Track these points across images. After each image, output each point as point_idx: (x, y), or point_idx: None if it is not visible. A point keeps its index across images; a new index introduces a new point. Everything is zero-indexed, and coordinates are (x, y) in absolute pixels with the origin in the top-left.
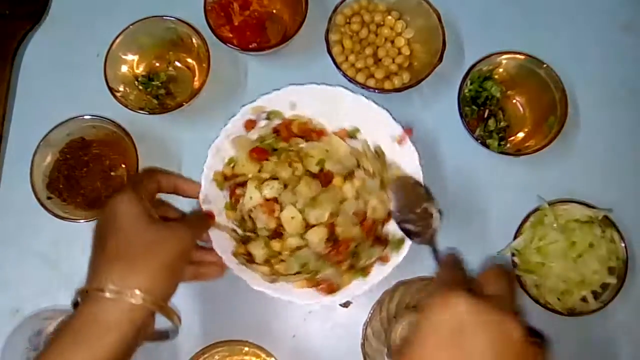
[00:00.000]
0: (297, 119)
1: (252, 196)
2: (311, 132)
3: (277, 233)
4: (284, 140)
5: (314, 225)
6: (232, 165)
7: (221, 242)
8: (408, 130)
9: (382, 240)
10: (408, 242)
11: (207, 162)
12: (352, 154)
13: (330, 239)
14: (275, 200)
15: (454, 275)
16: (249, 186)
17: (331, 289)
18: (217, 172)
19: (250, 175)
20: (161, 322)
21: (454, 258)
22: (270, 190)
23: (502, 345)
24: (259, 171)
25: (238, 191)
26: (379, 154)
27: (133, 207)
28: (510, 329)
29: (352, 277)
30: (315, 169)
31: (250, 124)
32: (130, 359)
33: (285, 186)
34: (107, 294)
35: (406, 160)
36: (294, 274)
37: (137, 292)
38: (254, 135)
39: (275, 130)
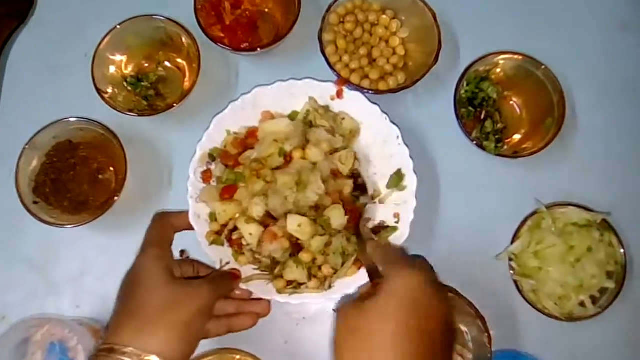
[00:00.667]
0: (226, 141)
1: (251, 232)
2: (246, 140)
3: (296, 246)
4: (234, 166)
5: (316, 208)
6: (214, 219)
7: (262, 289)
8: (340, 81)
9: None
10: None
11: (197, 232)
12: (292, 123)
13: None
14: (270, 216)
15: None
16: (240, 226)
17: None
18: (208, 233)
19: (237, 216)
20: None
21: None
22: (257, 207)
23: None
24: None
25: (234, 237)
26: (326, 109)
27: (154, 266)
28: (447, 306)
29: (389, 234)
30: (280, 160)
31: (207, 175)
32: None
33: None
34: (115, 355)
35: (354, 104)
36: (342, 267)
37: (151, 356)
38: (214, 182)
39: (225, 164)
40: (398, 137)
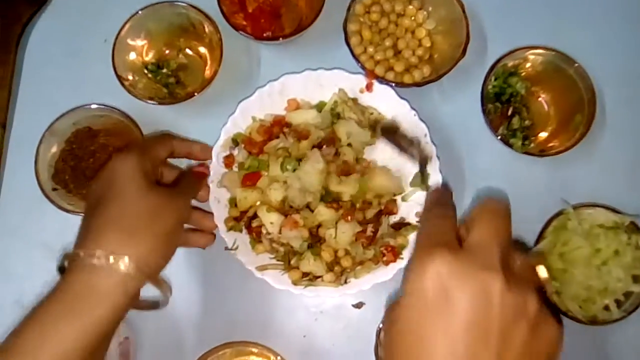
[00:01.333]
0: (251, 128)
1: (272, 221)
2: (272, 128)
3: (316, 237)
4: (258, 153)
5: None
6: (234, 205)
7: (276, 279)
8: (370, 74)
9: None
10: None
11: (215, 216)
12: (320, 115)
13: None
14: (289, 207)
15: (439, 223)
16: (261, 215)
17: (394, 254)
18: (227, 218)
19: (258, 203)
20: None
21: (441, 194)
22: (276, 192)
23: (485, 305)
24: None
25: (254, 224)
26: (355, 102)
27: (135, 171)
28: (491, 285)
29: (409, 232)
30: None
31: (229, 161)
32: (116, 329)
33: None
34: (100, 261)
35: (383, 99)
36: (359, 265)
37: (132, 261)
38: (236, 168)
39: (248, 151)
40: (426, 135)
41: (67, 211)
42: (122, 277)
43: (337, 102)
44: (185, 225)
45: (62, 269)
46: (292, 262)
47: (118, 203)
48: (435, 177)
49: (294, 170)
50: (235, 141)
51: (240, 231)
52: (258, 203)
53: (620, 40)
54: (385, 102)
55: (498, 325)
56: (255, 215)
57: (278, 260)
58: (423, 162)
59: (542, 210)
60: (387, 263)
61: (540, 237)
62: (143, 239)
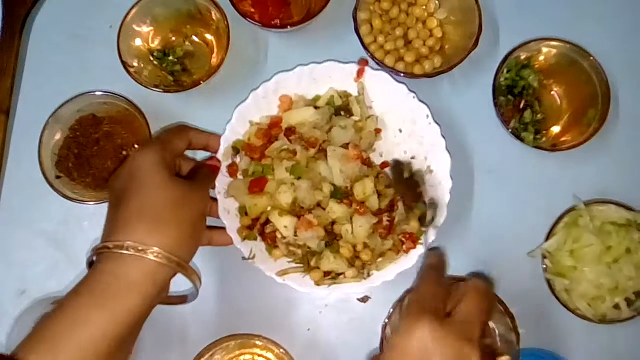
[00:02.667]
0: (249, 133)
1: (286, 225)
2: (270, 131)
3: (332, 234)
4: (260, 158)
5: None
6: (245, 213)
7: (298, 282)
8: (363, 61)
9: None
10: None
11: (227, 227)
12: (318, 112)
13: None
14: (300, 208)
15: (433, 290)
16: (274, 220)
17: (414, 240)
18: (239, 228)
19: (269, 209)
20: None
21: (438, 262)
22: (285, 195)
23: None
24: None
25: (268, 230)
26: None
27: (157, 164)
28: (469, 356)
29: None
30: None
31: (233, 170)
32: (145, 322)
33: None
34: (130, 252)
35: (378, 85)
36: (382, 258)
37: (160, 251)
38: (241, 176)
39: (250, 157)
40: (428, 116)
41: (71, 199)
42: (152, 267)
43: (334, 97)
44: (210, 224)
45: (92, 264)
46: (312, 262)
47: (142, 195)
48: (444, 159)
49: (298, 178)
50: (236, 149)
51: (255, 239)
52: (269, 208)
53: (636, 35)
54: (382, 88)
55: None
56: (267, 221)
57: (297, 263)
58: (432, 206)
59: (553, 206)
60: (407, 250)
61: (550, 233)
62: (168, 229)
